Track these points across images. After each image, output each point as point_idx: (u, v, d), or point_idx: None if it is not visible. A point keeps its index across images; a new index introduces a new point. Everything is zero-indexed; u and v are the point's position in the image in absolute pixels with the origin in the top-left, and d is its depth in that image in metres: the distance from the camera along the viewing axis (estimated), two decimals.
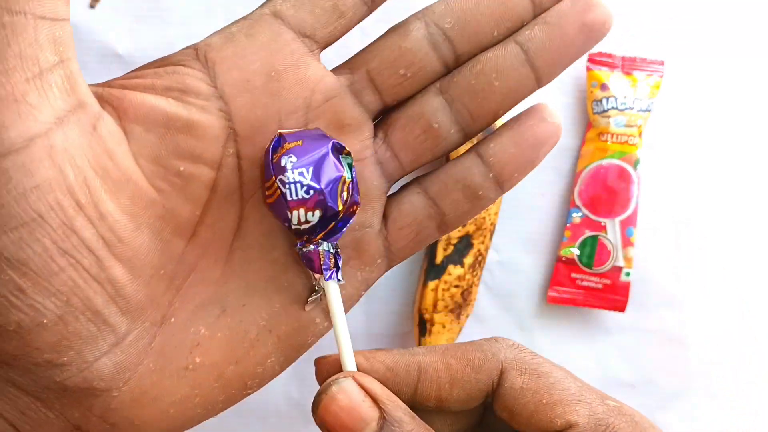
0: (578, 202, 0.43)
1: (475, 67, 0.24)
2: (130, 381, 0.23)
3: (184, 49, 0.24)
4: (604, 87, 0.42)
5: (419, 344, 0.42)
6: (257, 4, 0.42)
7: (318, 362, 0.24)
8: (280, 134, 0.23)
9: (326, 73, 0.24)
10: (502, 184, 0.25)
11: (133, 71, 0.24)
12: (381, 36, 0.25)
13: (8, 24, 0.20)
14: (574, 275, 0.43)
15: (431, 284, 0.41)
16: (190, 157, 0.23)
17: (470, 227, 0.41)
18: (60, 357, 0.21)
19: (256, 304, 0.25)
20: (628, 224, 0.42)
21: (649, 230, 0.43)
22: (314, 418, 0.23)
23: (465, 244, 0.41)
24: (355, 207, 0.23)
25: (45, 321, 0.21)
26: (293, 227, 0.23)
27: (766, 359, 0.44)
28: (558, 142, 0.25)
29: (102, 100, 0.23)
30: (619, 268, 0.42)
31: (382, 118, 0.26)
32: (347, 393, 0.22)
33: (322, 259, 0.24)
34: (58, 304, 0.21)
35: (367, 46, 0.25)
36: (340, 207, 0.23)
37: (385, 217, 0.26)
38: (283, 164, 0.23)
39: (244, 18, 0.24)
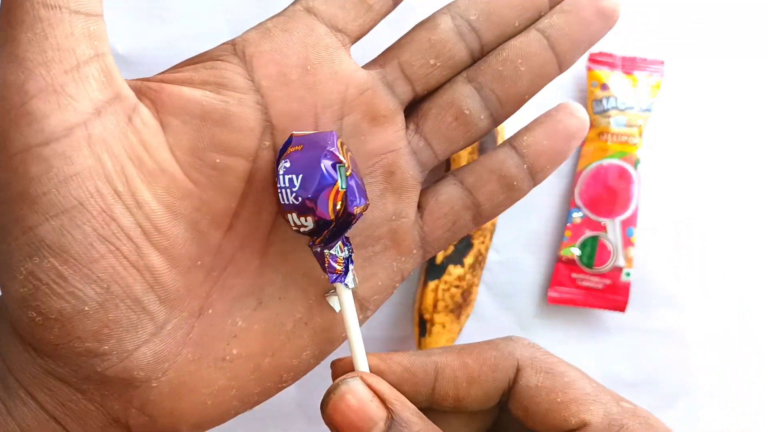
0: (579, 202, 0.43)
1: (501, 54, 0.25)
2: (169, 371, 0.23)
3: (221, 44, 0.24)
4: (604, 87, 0.42)
5: (419, 344, 0.42)
6: (257, 3, 0.42)
7: (334, 365, 0.25)
8: (292, 136, 0.24)
9: (358, 67, 0.25)
10: (535, 175, 0.26)
11: (171, 68, 0.24)
12: (409, 31, 0.26)
13: (45, 18, 0.20)
14: (574, 275, 0.43)
15: (431, 284, 0.41)
16: (226, 150, 0.23)
17: None
18: (101, 346, 0.22)
19: (293, 296, 0.25)
20: (628, 224, 0.42)
21: (649, 230, 0.43)
22: (323, 417, 0.23)
23: (465, 243, 0.41)
24: (353, 216, 0.23)
25: (86, 308, 0.21)
26: (293, 229, 0.23)
27: (766, 359, 0.44)
28: (585, 136, 0.26)
29: (140, 93, 0.23)
30: (620, 268, 0.42)
31: (411, 109, 0.26)
32: (355, 393, 0.22)
33: (327, 261, 0.24)
34: (99, 291, 0.21)
35: (395, 42, 0.26)
36: (331, 216, 0.23)
37: (421, 207, 0.26)
38: (278, 168, 0.23)
39: (279, 14, 0.25)
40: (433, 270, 0.41)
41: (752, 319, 0.43)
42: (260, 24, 0.25)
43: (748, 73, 0.43)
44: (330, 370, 0.25)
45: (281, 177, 0.23)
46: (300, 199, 0.23)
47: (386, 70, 0.25)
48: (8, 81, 0.21)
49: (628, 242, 0.42)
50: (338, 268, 0.24)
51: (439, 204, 0.26)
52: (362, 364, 0.24)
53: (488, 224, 0.41)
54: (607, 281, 0.43)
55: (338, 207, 0.23)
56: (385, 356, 0.24)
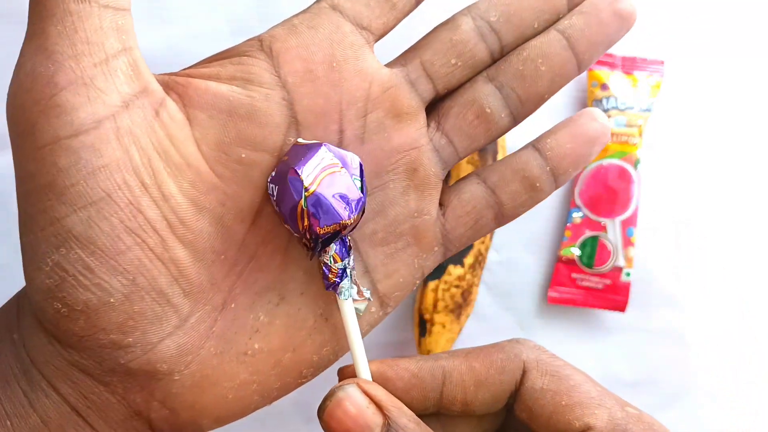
0: (579, 202, 0.43)
1: (521, 54, 0.26)
2: (192, 364, 0.23)
3: (248, 40, 0.25)
4: (604, 87, 0.42)
5: (419, 345, 0.42)
6: (257, 3, 0.42)
7: (341, 371, 0.25)
8: (295, 143, 0.24)
9: (381, 65, 0.25)
10: (557, 178, 0.26)
11: (198, 62, 0.25)
12: (430, 32, 0.26)
13: (74, 11, 0.21)
14: (574, 275, 0.43)
15: (431, 284, 0.41)
16: (252, 145, 0.24)
17: None
18: (125, 338, 0.22)
19: (314, 292, 0.25)
20: (628, 224, 0.42)
21: (649, 230, 0.43)
22: (320, 423, 0.23)
23: None
24: (318, 235, 0.23)
25: (112, 300, 0.22)
26: (294, 234, 0.24)
27: (766, 359, 0.44)
28: (607, 142, 0.27)
29: (167, 88, 0.23)
30: (620, 268, 0.42)
31: (432, 108, 0.27)
32: (352, 399, 0.23)
33: (321, 269, 0.24)
34: (125, 283, 0.22)
35: (417, 42, 0.26)
36: (301, 231, 0.23)
37: (443, 205, 0.26)
38: (268, 176, 0.24)
39: (304, 11, 0.25)
40: (433, 270, 0.41)
41: (752, 319, 0.44)
42: (286, 20, 0.25)
43: (748, 73, 0.44)
44: (330, 372, 0.25)
45: (269, 185, 0.24)
46: (278, 209, 0.23)
47: (408, 68, 0.26)
48: (38, 73, 0.21)
49: (628, 242, 0.42)
50: (331, 276, 0.24)
51: (462, 202, 0.26)
52: (364, 370, 0.24)
53: None
54: (607, 281, 0.43)
55: (305, 224, 0.23)
56: (393, 363, 0.24)
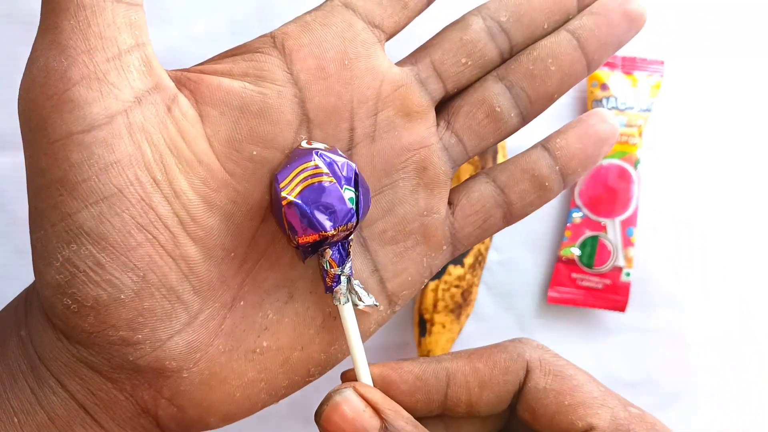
0: (578, 202, 0.43)
1: (531, 53, 0.26)
2: (200, 362, 0.23)
3: (260, 36, 0.25)
4: (604, 87, 0.42)
5: (419, 345, 0.42)
6: (257, 3, 0.42)
7: (344, 375, 0.25)
8: (298, 147, 0.24)
9: (392, 63, 0.25)
10: (566, 177, 0.26)
11: (211, 58, 0.25)
12: (440, 31, 0.26)
13: (88, 6, 0.21)
14: (574, 275, 0.43)
15: (431, 284, 0.41)
16: (264, 142, 0.23)
17: None
18: (135, 335, 0.22)
19: (323, 291, 0.25)
20: (628, 224, 0.42)
21: (649, 230, 0.43)
22: (318, 427, 0.23)
23: None
24: (299, 242, 0.23)
25: (122, 296, 0.21)
26: None
27: (766, 359, 0.44)
28: (615, 143, 0.27)
29: (179, 84, 0.23)
30: (620, 268, 0.42)
31: (442, 107, 0.27)
32: (348, 403, 0.22)
33: (320, 272, 0.24)
34: (135, 280, 0.22)
35: (427, 41, 0.26)
36: (288, 235, 0.23)
37: (452, 204, 0.26)
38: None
39: (317, 9, 0.25)
40: None
41: (752, 319, 0.44)
42: (298, 17, 0.25)
43: (748, 73, 0.44)
44: (334, 372, 0.25)
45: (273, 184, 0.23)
46: (272, 210, 0.24)
47: (419, 67, 0.26)
48: (51, 67, 0.21)
49: (628, 242, 0.42)
50: (327, 281, 0.24)
51: (470, 201, 0.26)
52: (364, 374, 0.24)
53: None
54: (607, 281, 0.43)
55: (287, 231, 0.23)
56: (396, 366, 0.24)
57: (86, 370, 0.22)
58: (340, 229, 0.23)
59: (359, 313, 0.25)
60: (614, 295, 0.43)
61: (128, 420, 0.23)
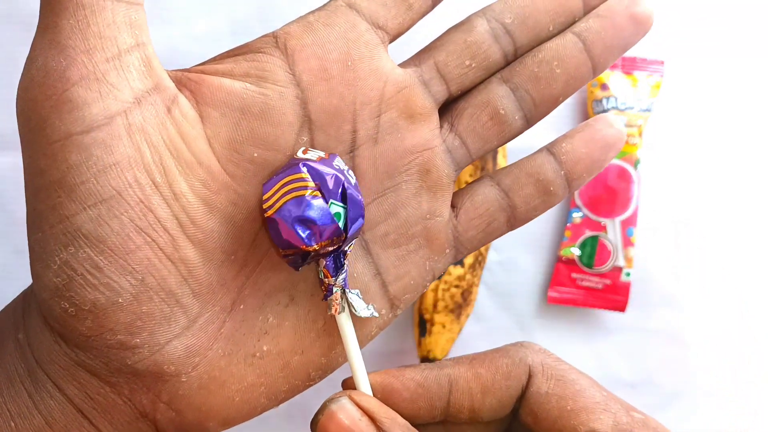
0: (578, 202, 0.43)
1: (537, 56, 0.26)
2: (199, 366, 0.23)
3: (262, 36, 0.24)
4: (604, 87, 0.42)
5: (419, 345, 0.42)
6: (257, 3, 0.42)
7: (344, 384, 0.25)
8: (293, 157, 0.24)
9: (395, 65, 0.25)
10: (571, 182, 0.26)
11: (212, 58, 0.24)
12: (444, 33, 0.26)
13: (87, 5, 0.21)
14: (574, 275, 0.43)
15: (431, 284, 0.41)
16: (265, 144, 0.23)
17: None
18: (133, 339, 0.22)
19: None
20: (628, 224, 0.42)
21: (649, 230, 0.43)
22: None
23: None
24: (281, 253, 0.23)
25: (120, 300, 0.21)
26: None
27: (765, 359, 0.44)
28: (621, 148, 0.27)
29: (180, 84, 0.23)
30: (620, 268, 0.42)
31: (445, 109, 0.26)
32: (344, 411, 0.22)
33: (319, 276, 0.24)
34: (134, 283, 0.21)
35: (431, 43, 0.26)
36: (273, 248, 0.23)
37: (456, 207, 0.26)
38: None
39: (320, 9, 0.25)
40: None
41: (752, 319, 0.44)
42: (301, 17, 0.25)
43: (748, 73, 0.44)
44: (332, 376, 0.25)
45: None
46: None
47: (422, 69, 0.25)
48: (49, 67, 0.20)
49: (628, 242, 0.42)
50: (322, 289, 0.24)
51: (474, 204, 0.26)
52: (363, 382, 0.23)
53: None
54: (607, 281, 0.43)
55: (272, 243, 0.23)
56: (398, 373, 0.24)
57: (84, 374, 0.22)
58: (322, 244, 0.22)
59: (359, 319, 0.25)
60: (614, 295, 0.43)
61: (126, 424, 0.23)
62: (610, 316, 0.44)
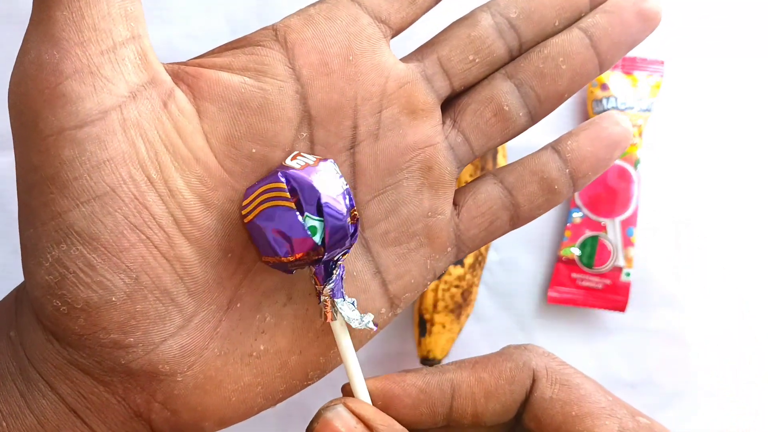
0: (578, 202, 0.43)
1: (542, 51, 0.25)
2: (195, 366, 0.22)
3: (262, 29, 0.24)
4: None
5: (419, 344, 0.42)
6: (257, 3, 0.42)
7: (344, 389, 0.24)
8: (282, 165, 0.23)
9: (397, 60, 0.25)
10: (576, 181, 0.26)
11: (210, 51, 0.24)
12: (448, 27, 0.26)
13: None
14: (574, 275, 0.43)
15: (431, 284, 0.41)
16: (263, 140, 0.23)
17: None
18: (126, 338, 0.21)
19: None
20: (628, 224, 0.42)
21: (649, 230, 0.43)
22: None
23: None
24: (262, 259, 0.22)
25: (113, 299, 0.21)
26: None
27: (766, 359, 0.44)
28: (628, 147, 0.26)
29: (176, 78, 0.23)
30: (620, 268, 0.42)
31: (447, 105, 0.26)
32: (340, 419, 0.22)
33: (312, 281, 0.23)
34: (128, 282, 0.21)
35: (434, 37, 0.26)
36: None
37: (458, 205, 0.26)
38: None
39: (321, 1, 0.24)
40: None
41: (752, 319, 0.43)
42: (302, 10, 0.24)
43: (748, 73, 0.44)
44: (330, 375, 0.25)
45: None
46: None
47: (425, 64, 0.25)
48: (43, 60, 0.20)
49: (628, 242, 0.42)
50: (316, 294, 0.23)
51: (477, 202, 0.25)
52: (360, 387, 0.23)
53: None
54: (607, 281, 0.43)
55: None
56: (399, 379, 0.24)
57: (77, 373, 0.22)
58: (297, 257, 0.22)
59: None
60: (614, 295, 0.43)
61: (120, 424, 0.23)
62: (610, 316, 0.44)
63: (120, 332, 0.21)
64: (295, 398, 0.24)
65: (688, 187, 0.43)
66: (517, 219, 0.26)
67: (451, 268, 0.41)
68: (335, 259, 0.23)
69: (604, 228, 0.42)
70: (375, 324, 0.23)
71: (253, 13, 0.42)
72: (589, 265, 0.42)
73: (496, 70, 0.26)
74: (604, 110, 0.42)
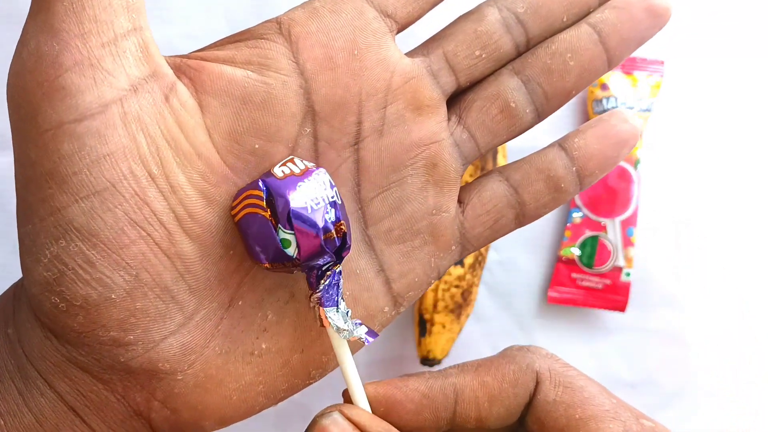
0: (578, 202, 0.43)
1: (550, 47, 0.25)
2: (195, 364, 0.22)
3: (265, 22, 0.23)
4: (604, 87, 0.42)
5: (419, 345, 0.42)
6: (256, 3, 0.42)
7: (345, 394, 0.24)
8: (270, 172, 0.23)
9: (402, 55, 0.24)
10: (582, 179, 0.25)
11: (212, 44, 0.23)
12: (454, 22, 0.25)
13: None
14: (574, 275, 0.43)
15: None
16: (266, 135, 0.22)
17: None
18: (126, 335, 0.21)
19: None
20: (628, 224, 0.42)
21: (649, 230, 0.43)
22: None
23: None
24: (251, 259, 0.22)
25: (113, 296, 0.20)
26: None
27: (766, 359, 0.44)
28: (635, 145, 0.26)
29: (178, 71, 0.22)
30: (620, 268, 0.42)
31: (453, 101, 0.26)
32: (336, 426, 0.22)
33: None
34: (128, 279, 0.21)
35: (440, 32, 0.25)
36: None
37: (462, 203, 0.25)
38: None
39: None
40: None
41: (752, 319, 0.43)
42: (306, 2, 0.24)
43: (748, 73, 0.44)
44: (332, 374, 0.25)
45: None
46: None
47: (431, 59, 0.25)
48: (42, 52, 0.20)
49: (628, 242, 0.42)
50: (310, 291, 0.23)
51: (482, 200, 0.25)
52: (358, 393, 0.23)
53: None
54: (607, 281, 0.42)
55: None
56: (401, 384, 0.23)
57: (76, 371, 0.22)
58: (275, 265, 0.22)
59: (371, 315, 0.24)
60: (614, 295, 0.43)
61: (120, 422, 0.22)
62: (610, 316, 0.44)
63: (119, 330, 0.21)
64: (296, 397, 0.24)
65: (688, 187, 0.43)
66: (522, 217, 0.26)
67: (452, 268, 0.41)
68: (323, 268, 0.22)
69: (604, 228, 0.42)
70: (371, 335, 0.23)
71: (253, 13, 0.42)
72: (589, 265, 0.42)
73: (503, 65, 0.25)
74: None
